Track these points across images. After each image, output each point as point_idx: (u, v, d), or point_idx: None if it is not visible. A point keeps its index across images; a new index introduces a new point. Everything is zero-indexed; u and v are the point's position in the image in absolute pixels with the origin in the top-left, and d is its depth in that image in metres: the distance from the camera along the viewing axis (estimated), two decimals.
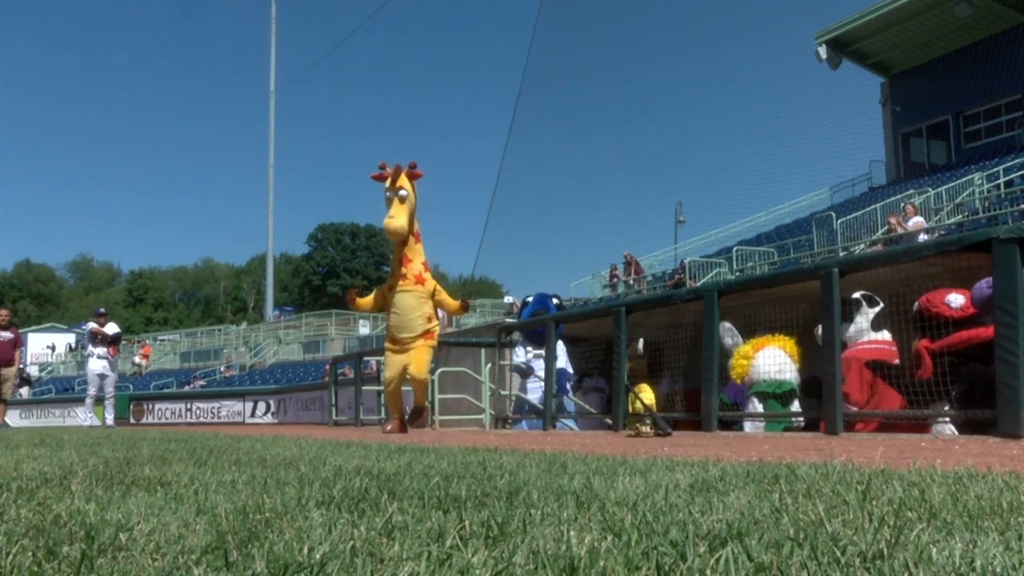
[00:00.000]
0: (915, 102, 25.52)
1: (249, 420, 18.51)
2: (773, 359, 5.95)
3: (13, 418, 18.75)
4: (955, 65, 23.82)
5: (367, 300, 7.76)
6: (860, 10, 24.32)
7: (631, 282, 24.13)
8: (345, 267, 76.19)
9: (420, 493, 1.94)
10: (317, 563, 1.12)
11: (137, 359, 38.36)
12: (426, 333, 7.45)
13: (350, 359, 15.54)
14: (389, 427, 7.57)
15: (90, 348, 13.90)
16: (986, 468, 2.21)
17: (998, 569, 1.03)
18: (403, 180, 7.21)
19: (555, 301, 9.40)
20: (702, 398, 5.89)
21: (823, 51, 24.98)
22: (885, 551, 1.12)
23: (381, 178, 7.24)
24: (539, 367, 8.30)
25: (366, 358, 13.16)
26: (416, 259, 7.48)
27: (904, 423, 5.20)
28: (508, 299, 21.78)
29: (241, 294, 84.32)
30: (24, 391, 25.44)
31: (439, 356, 10.72)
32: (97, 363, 13.50)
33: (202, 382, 31.47)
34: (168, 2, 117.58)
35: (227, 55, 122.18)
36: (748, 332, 6.26)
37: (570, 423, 8.17)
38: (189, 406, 20.24)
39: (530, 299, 9.51)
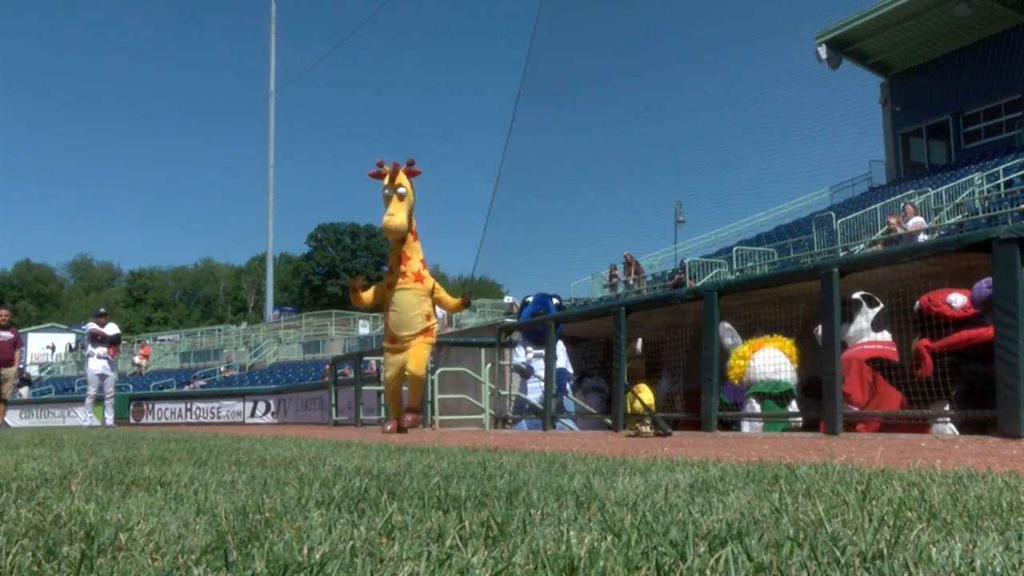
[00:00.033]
0: (915, 102, 25.53)
1: (249, 420, 18.50)
2: (770, 360, 5.95)
3: (13, 418, 18.76)
4: (955, 65, 23.83)
5: (368, 293, 7.74)
6: (860, 10, 24.35)
7: (631, 282, 24.14)
8: (345, 267, 76.17)
9: (420, 493, 1.94)
10: (317, 563, 1.12)
11: (137, 359, 38.36)
12: (425, 331, 7.45)
13: (350, 359, 15.54)
14: (389, 427, 7.57)
15: (90, 348, 13.92)
16: (986, 468, 2.21)
17: (998, 569, 1.03)
18: (402, 177, 7.21)
19: (555, 301, 9.39)
20: (702, 398, 5.89)
21: (823, 51, 24.99)
22: (885, 551, 1.12)
23: (379, 175, 7.24)
24: (539, 367, 8.30)
25: (366, 358, 13.16)
26: (415, 257, 7.48)
27: (904, 423, 5.20)
28: (508, 299, 21.78)
29: (241, 294, 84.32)
30: (24, 391, 25.45)
31: (439, 356, 10.73)
32: (97, 363, 13.51)
33: (202, 382, 31.48)
34: (168, 2, 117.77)
35: (227, 55, 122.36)
36: (748, 332, 6.26)
37: (570, 423, 8.17)
38: (189, 406, 20.24)
39: (530, 299, 9.51)
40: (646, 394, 7.06)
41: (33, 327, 50.31)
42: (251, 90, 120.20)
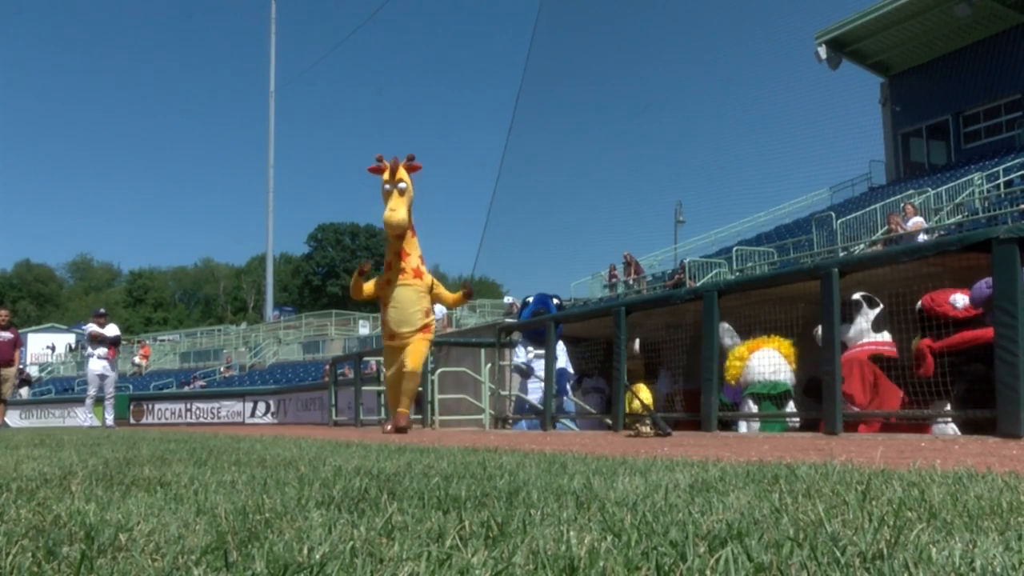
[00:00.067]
0: (915, 102, 25.54)
1: (249, 420, 18.51)
2: (768, 360, 5.95)
3: (13, 418, 18.76)
4: (955, 65, 23.83)
5: (370, 284, 7.71)
6: (860, 10, 24.35)
7: (631, 282, 24.13)
8: (345, 267, 76.12)
9: (420, 493, 1.94)
10: (317, 563, 1.12)
11: (137, 359, 38.34)
12: (424, 327, 7.45)
13: (350, 359, 15.54)
14: (389, 427, 7.57)
15: (90, 349, 13.92)
16: (986, 468, 2.21)
17: (998, 569, 1.03)
18: (402, 173, 7.19)
19: (555, 301, 9.39)
20: (702, 398, 5.89)
21: (823, 51, 24.99)
22: (885, 551, 1.12)
23: (379, 171, 7.23)
24: (539, 367, 8.30)
25: (366, 358, 13.16)
26: (414, 253, 7.46)
27: (905, 423, 5.20)
28: (508, 299, 21.80)
29: (241, 294, 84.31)
30: (24, 391, 25.43)
31: (439, 356, 10.73)
32: (97, 363, 13.51)
33: (202, 382, 31.46)
34: (168, 2, 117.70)
35: (227, 55, 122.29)
36: (748, 332, 6.26)
37: (570, 423, 8.17)
38: (189, 406, 20.25)
39: (530, 299, 9.50)
40: (644, 394, 7.06)
41: (33, 327, 50.31)
42: (251, 90, 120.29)
